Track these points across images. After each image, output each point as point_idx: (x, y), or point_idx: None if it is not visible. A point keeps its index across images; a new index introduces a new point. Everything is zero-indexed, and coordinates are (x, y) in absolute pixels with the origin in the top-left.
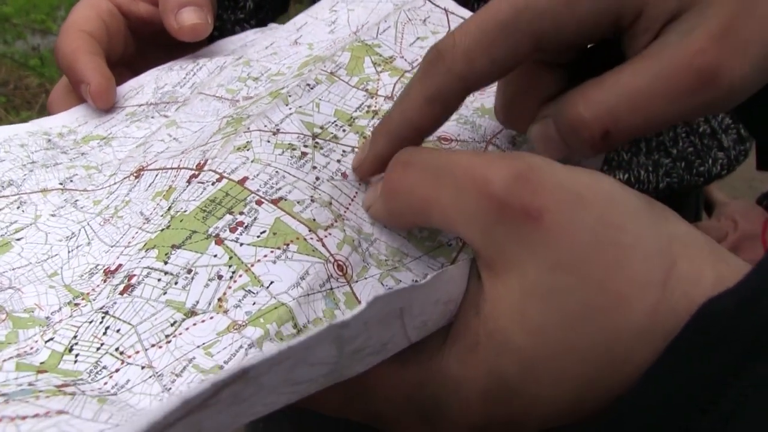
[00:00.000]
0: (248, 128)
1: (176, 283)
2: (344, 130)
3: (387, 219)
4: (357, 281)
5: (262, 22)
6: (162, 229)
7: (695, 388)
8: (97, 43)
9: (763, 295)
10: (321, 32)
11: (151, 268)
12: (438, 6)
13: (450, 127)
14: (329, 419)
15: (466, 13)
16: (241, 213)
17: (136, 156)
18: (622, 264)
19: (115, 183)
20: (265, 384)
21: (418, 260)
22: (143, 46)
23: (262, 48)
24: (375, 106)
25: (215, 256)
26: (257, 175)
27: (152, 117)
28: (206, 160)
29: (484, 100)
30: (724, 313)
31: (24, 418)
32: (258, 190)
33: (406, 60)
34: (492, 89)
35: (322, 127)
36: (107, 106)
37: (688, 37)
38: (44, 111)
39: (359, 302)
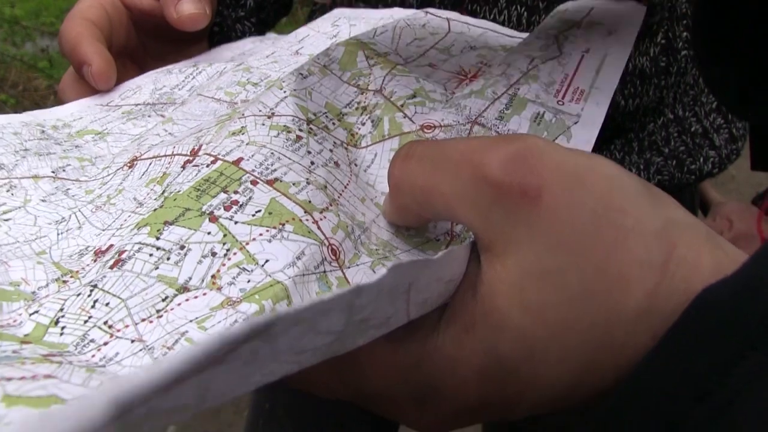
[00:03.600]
0: (243, 114)
1: (168, 259)
2: (334, 124)
3: (396, 216)
4: (349, 267)
5: (263, 22)
6: (155, 209)
7: (692, 377)
8: (99, 30)
9: (760, 286)
10: (322, 45)
11: (143, 243)
12: (440, 17)
13: (434, 114)
14: (328, 418)
15: (470, 20)
16: (236, 192)
17: (131, 149)
18: (622, 245)
19: (108, 175)
20: (278, 346)
21: (407, 252)
22: (146, 38)
23: (263, 56)
24: (364, 102)
25: (209, 233)
26: (252, 155)
27: (149, 116)
28: (201, 145)
29: (473, 85)
30: (722, 302)
31: (9, 379)
32: (253, 171)
33: (400, 56)
34: (482, 73)
35: (315, 114)
36: (107, 87)
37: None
38: None
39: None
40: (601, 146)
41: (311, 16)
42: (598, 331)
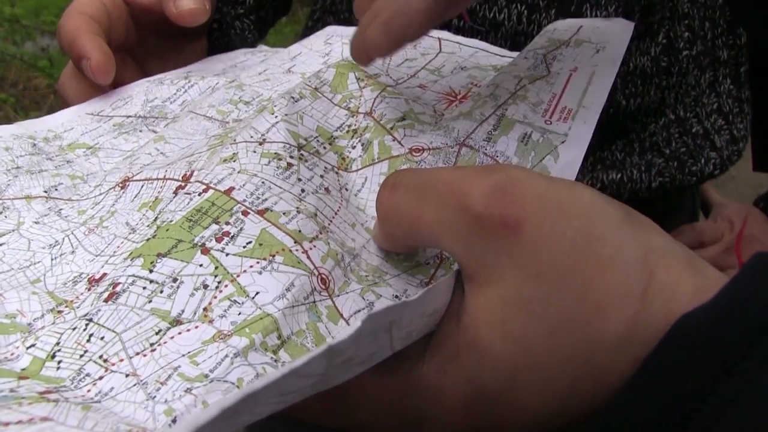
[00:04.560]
0: (234, 140)
1: (161, 292)
2: (325, 148)
3: (385, 243)
4: (339, 295)
5: (262, 20)
6: (148, 239)
7: (671, 403)
8: (98, 25)
9: (736, 312)
10: (315, 63)
11: (137, 276)
12: (431, 36)
13: (423, 137)
14: None
15: (461, 39)
16: (227, 223)
17: (122, 168)
18: (601, 275)
19: (100, 194)
20: (260, 398)
21: (397, 277)
22: (145, 34)
23: (256, 74)
24: (355, 125)
25: (201, 265)
26: (243, 185)
27: (140, 130)
28: (192, 171)
29: (462, 107)
30: (699, 328)
31: (7, 424)
32: (244, 201)
33: (391, 77)
34: (472, 95)
35: (306, 140)
36: (107, 81)
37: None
38: (53, 111)
39: (341, 316)
40: (603, 147)
41: (312, 16)
42: (580, 359)
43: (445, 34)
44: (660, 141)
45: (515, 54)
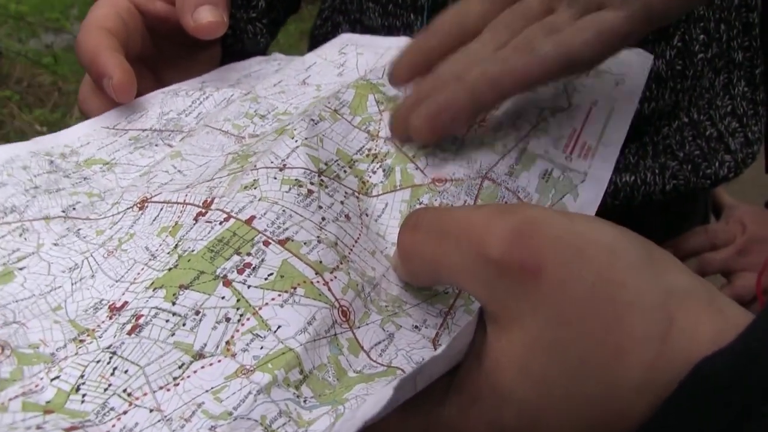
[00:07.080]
0: (255, 166)
1: (184, 325)
2: (345, 171)
3: (407, 278)
4: (359, 327)
5: (274, 22)
6: (169, 268)
7: None
8: (117, 40)
9: (754, 357)
10: (330, 74)
11: (159, 309)
12: None
13: (445, 167)
14: None
15: None
16: (249, 254)
17: (140, 186)
18: (621, 320)
19: (118, 213)
20: None
21: (416, 307)
22: (160, 44)
23: (271, 85)
24: (375, 149)
25: (223, 297)
26: (264, 213)
27: (156, 145)
28: (213, 198)
29: (482, 133)
30: (717, 374)
31: None
32: (265, 230)
33: None
34: (490, 120)
35: (326, 164)
36: (128, 100)
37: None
38: (57, 108)
39: (362, 348)
40: None
41: (321, 15)
42: (598, 403)
43: None
44: (673, 144)
45: None
